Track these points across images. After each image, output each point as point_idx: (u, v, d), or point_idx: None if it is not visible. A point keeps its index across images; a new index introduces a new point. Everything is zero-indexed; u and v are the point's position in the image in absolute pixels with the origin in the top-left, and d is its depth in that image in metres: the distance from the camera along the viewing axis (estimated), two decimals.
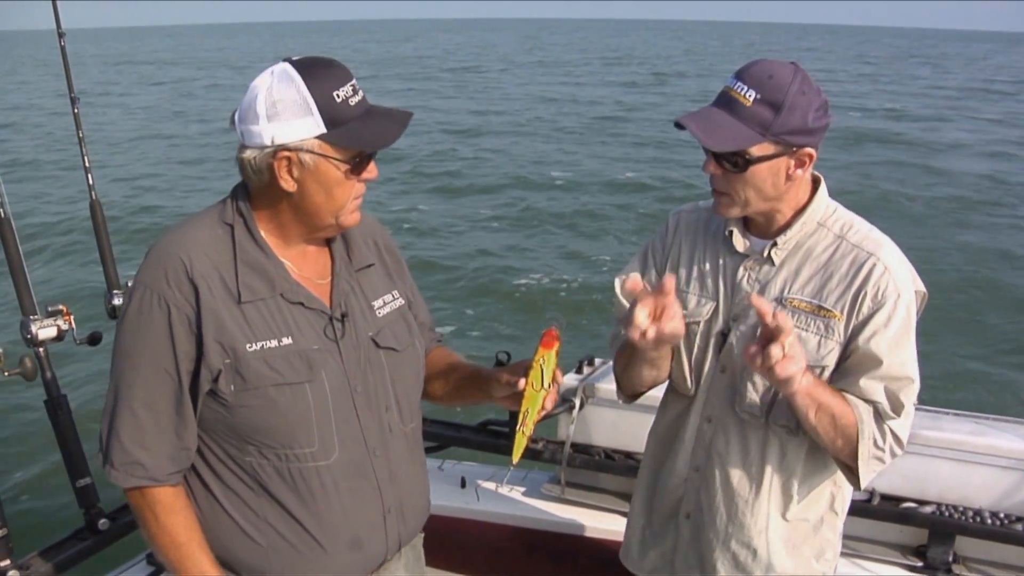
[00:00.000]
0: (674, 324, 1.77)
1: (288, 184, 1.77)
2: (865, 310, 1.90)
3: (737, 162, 1.87)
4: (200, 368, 1.76)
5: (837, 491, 2.10)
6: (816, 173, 2.00)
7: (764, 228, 2.02)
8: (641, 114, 30.62)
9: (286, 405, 1.79)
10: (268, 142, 1.73)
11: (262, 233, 1.85)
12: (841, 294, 1.92)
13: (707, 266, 2.11)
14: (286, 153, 1.74)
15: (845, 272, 1.93)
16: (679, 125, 1.88)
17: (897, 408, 1.90)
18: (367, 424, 1.92)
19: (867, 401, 1.91)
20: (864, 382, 1.90)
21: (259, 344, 1.77)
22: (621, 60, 67.34)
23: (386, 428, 1.97)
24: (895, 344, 1.90)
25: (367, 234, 2.06)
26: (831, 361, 1.93)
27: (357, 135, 1.75)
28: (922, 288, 1.99)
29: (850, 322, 1.91)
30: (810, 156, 1.89)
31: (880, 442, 1.91)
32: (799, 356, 1.71)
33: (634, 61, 65.89)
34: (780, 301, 1.96)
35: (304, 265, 1.90)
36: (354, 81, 1.77)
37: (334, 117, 1.72)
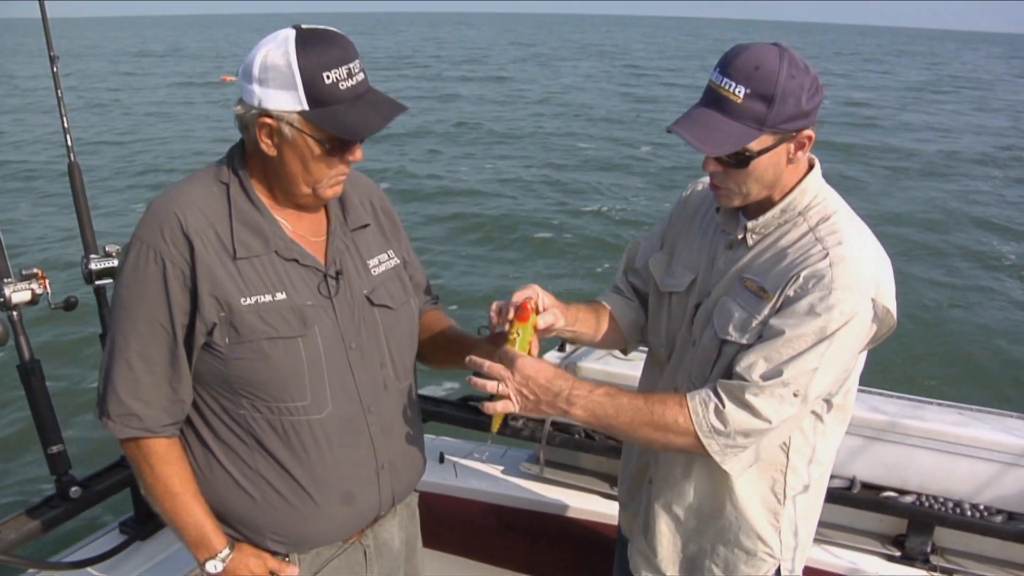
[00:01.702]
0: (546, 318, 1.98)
1: (268, 148, 1.79)
2: (791, 293, 1.81)
3: (738, 159, 1.82)
4: (195, 322, 1.78)
5: (778, 476, 2.01)
6: (812, 156, 1.94)
7: (754, 209, 1.97)
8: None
9: (278, 359, 1.81)
10: (255, 103, 1.74)
11: (257, 192, 1.86)
12: (779, 278, 1.85)
13: (698, 239, 2.11)
14: (268, 120, 1.75)
15: (793, 260, 1.86)
16: (672, 131, 1.83)
17: (760, 381, 1.79)
18: (361, 380, 1.94)
19: (735, 376, 1.82)
20: (751, 357, 1.81)
21: (253, 298, 1.80)
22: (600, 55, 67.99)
23: (381, 385, 1.99)
24: (801, 335, 1.78)
25: (363, 195, 2.09)
26: (748, 340, 1.87)
27: (337, 120, 1.73)
28: (887, 303, 1.82)
29: (776, 303, 1.84)
30: (809, 138, 1.85)
31: (719, 425, 1.82)
32: (515, 377, 1.85)
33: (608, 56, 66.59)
34: (740, 279, 1.94)
35: (299, 223, 1.92)
36: (352, 64, 1.74)
37: (318, 97, 1.71)
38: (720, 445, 1.85)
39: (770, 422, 1.81)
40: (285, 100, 1.72)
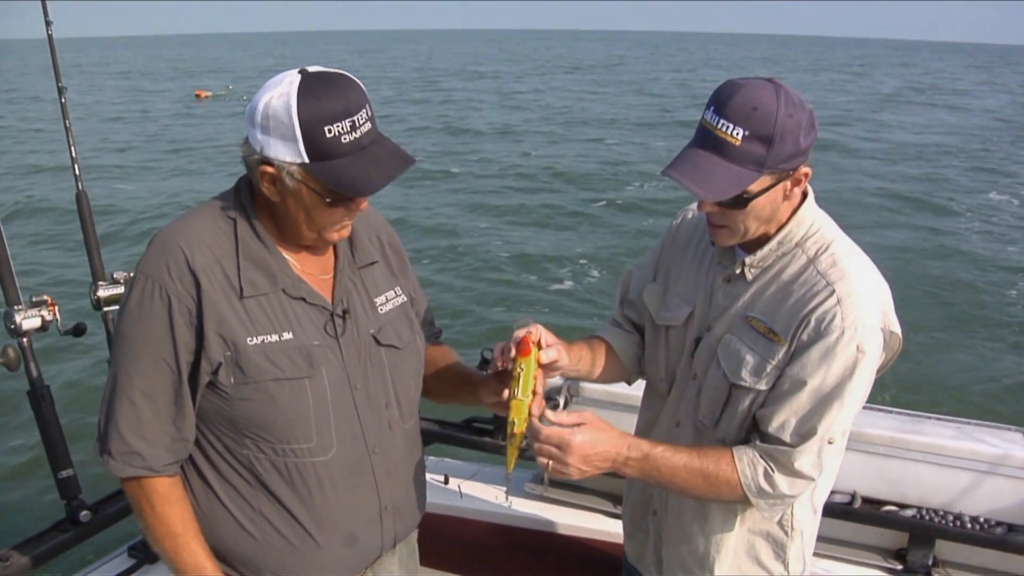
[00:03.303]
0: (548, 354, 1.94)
1: (271, 194, 1.77)
2: (804, 338, 1.81)
3: (737, 200, 1.79)
4: (200, 360, 1.75)
5: (787, 510, 2.01)
6: (806, 186, 1.91)
7: (750, 242, 1.94)
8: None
9: (285, 400, 1.79)
10: (257, 149, 1.72)
11: (264, 228, 1.84)
12: (788, 320, 1.84)
13: (692, 272, 2.09)
14: (269, 169, 1.72)
15: (799, 298, 1.84)
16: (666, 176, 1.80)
17: (799, 441, 1.83)
18: (367, 421, 1.92)
19: (770, 439, 1.85)
20: (780, 415, 1.84)
21: (260, 338, 1.77)
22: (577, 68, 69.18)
23: (386, 425, 1.98)
24: (824, 383, 1.80)
25: (371, 230, 2.06)
26: (765, 386, 1.87)
27: (338, 176, 1.69)
28: (893, 328, 1.86)
29: (791, 348, 1.83)
30: (806, 174, 1.83)
31: (768, 489, 1.86)
32: (570, 459, 1.83)
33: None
34: (744, 318, 1.93)
35: (307, 261, 1.90)
36: (359, 114, 1.68)
37: (318, 151, 1.67)
38: (768, 504, 1.89)
39: (814, 479, 1.87)
40: (285, 151, 1.68)
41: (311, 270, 1.90)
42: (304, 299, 1.84)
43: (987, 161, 24.67)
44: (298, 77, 1.68)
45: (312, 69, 1.71)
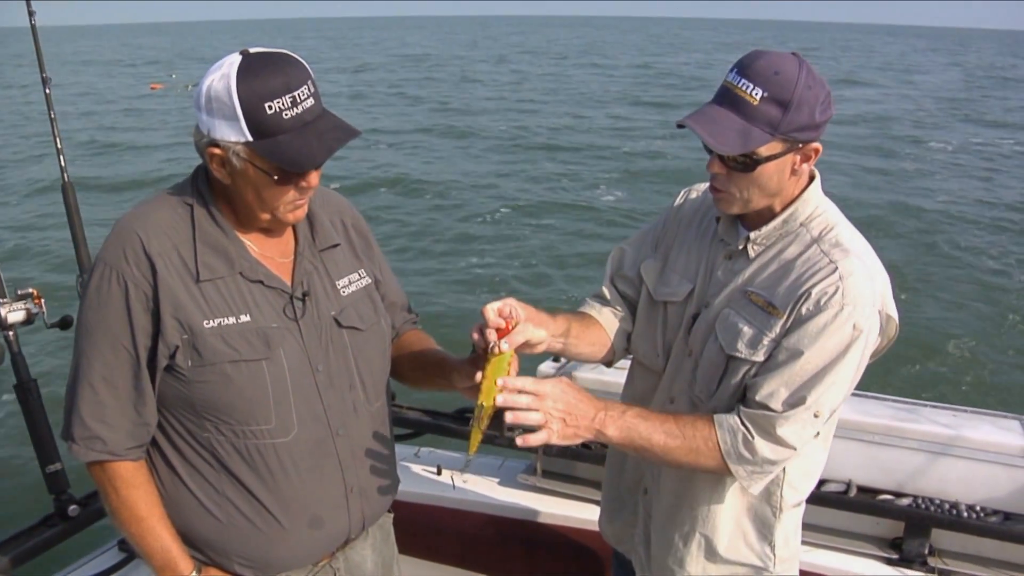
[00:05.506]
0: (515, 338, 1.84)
1: (222, 176, 1.78)
2: (803, 311, 1.81)
3: (745, 162, 1.81)
4: (158, 344, 1.77)
5: (775, 488, 2.02)
6: (813, 169, 1.93)
7: (753, 219, 1.96)
8: None
9: (242, 382, 1.80)
10: (205, 132, 1.73)
11: (222, 212, 1.85)
12: (788, 294, 1.85)
13: (695, 249, 2.10)
14: (217, 151, 1.73)
15: (801, 274, 1.86)
16: (682, 126, 1.82)
17: (786, 409, 1.82)
18: (330, 403, 1.93)
19: (756, 405, 1.84)
20: (771, 383, 1.83)
21: (216, 321, 1.78)
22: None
23: (350, 407, 1.98)
24: (820, 357, 1.80)
25: (334, 213, 2.07)
26: (762, 358, 1.87)
27: (281, 151, 1.70)
28: (890, 312, 1.86)
29: (788, 321, 1.84)
30: (816, 151, 1.85)
31: (748, 455, 1.84)
32: (545, 404, 1.76)
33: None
34: (744, 293, 1.93)
35: (266, 244, 1.91)
36: (300, 90, 1.69)
37: (261, 128, 1.68)
38: (747, 471, 1.87)
39: (796, 448, 1.85)
40: (229, 131, 1.69)
41: (270, 253, 1.91)
42: (262, 282, 1.86)
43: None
44: (239, 58, 1.70)
45: (254, 50, 1.72)
